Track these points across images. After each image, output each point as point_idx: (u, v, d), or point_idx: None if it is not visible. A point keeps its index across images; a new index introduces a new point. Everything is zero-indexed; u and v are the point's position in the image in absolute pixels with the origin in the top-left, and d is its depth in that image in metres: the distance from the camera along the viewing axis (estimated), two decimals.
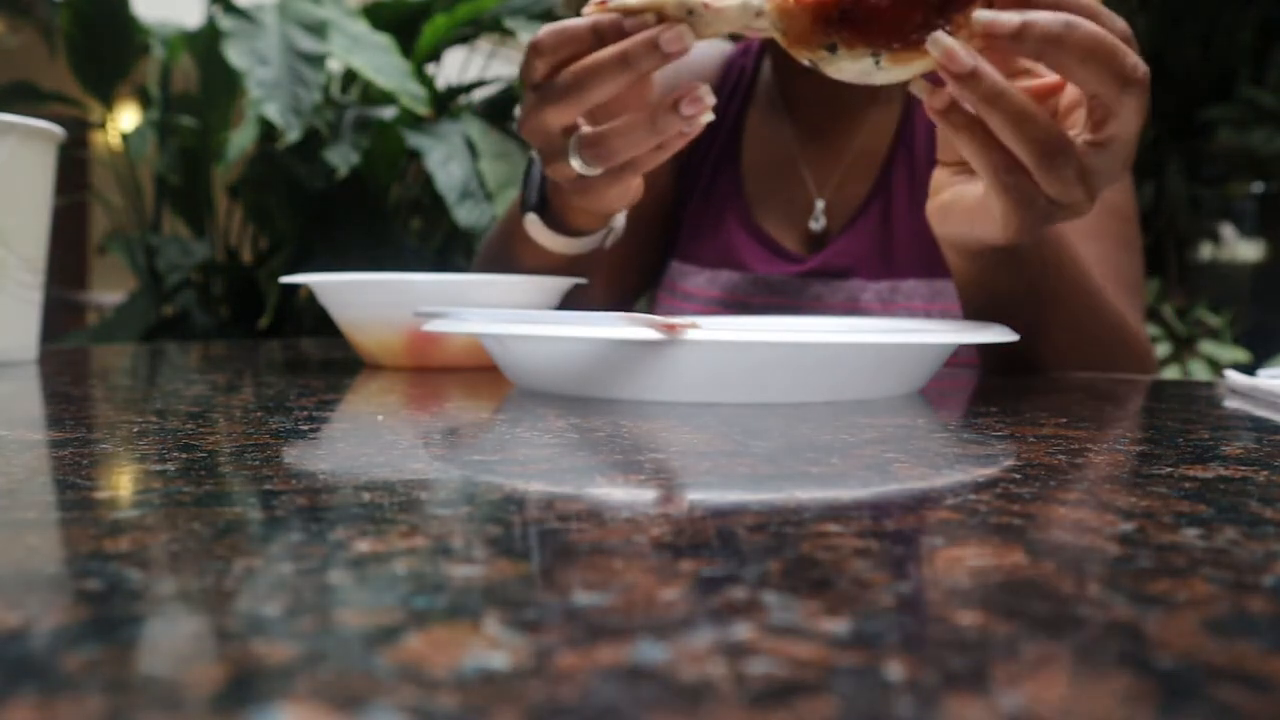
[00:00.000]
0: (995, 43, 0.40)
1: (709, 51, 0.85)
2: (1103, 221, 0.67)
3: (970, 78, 0.40)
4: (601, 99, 0.48)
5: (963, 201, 0.50)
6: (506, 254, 0.64)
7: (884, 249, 0.73)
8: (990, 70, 0.40)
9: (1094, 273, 0.60)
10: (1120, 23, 0.43)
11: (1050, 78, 0.45)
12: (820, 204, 0.76)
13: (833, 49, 0.42)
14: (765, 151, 0.79)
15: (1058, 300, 0.56)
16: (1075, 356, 0.59)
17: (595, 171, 0.50)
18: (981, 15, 0.40)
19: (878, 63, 0.41)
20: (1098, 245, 0.67)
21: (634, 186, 0.53)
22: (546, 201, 0.60)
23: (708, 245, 0.79)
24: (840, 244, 0.74)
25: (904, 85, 0.75)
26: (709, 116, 0.48)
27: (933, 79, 0.43)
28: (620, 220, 0.61)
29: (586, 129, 0.50)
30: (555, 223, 0.60)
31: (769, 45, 0.81)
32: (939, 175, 0.52)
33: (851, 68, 0.42)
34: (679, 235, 0.82)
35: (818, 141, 0.78)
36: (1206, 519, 0.19)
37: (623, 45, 0.46)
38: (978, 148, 0.43)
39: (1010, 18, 0.40)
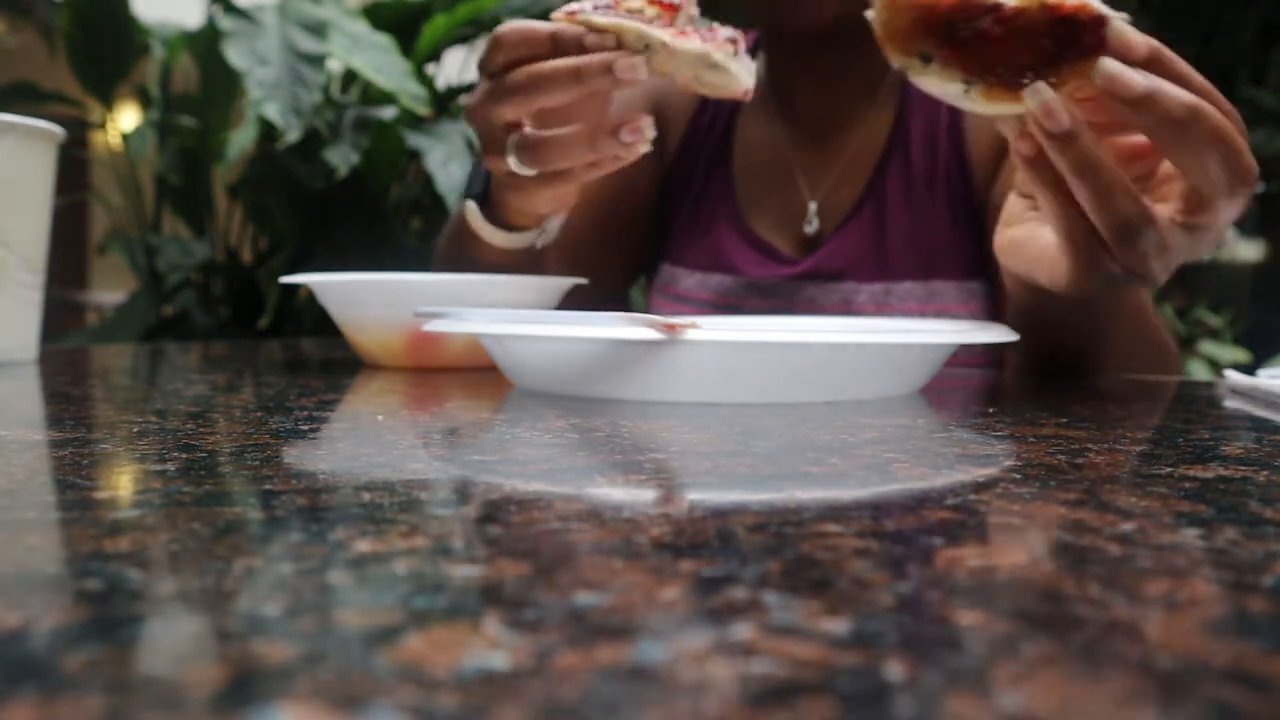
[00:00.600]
0: (1110, 102, 0.38)
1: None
2: None
3: (1064, 139, 0.38)
4: (548, 105, 0.49)
5: (1034, 244, 0.48)
6: (455, 248, 0.65)
7: (878, 251, 0.73)
8: (1087, 137, 0.38)
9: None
10: (1238, 117, 0.40)
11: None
12: (813, 206, 0.76)
13: (927, 59, 0.40)
14: (757, 154, 0.79)
15: (1111, 323, 0.56)
16: (1118, 366, 0.59)
17: (528, 173, 0.51)
18: (1108, 66, 0.37)
19: (967, 91, 0.39)
20: None
21: (566, 194, 0.55)
22: (489, 194, 0.60)
23: (699, 249, 0.79)
24: (833, 246, 0.74)
25: (898, 85, 0.75)
26: (646, 148, 0.49)
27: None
28: (554, 224, 0.61)
29: (528, 130, 0.51)
30: (494, 216, 0.60)
31: (762, 46, 0.81)
32: (1014, 204, 0.50)
33: (938, 85, 0.40)
34: (670, 239, 0.82)
35: (812, 144, 0.78)
36: (1206, 519, 0.19)
37: (579, 60, 0.48)
38: (1058, 206, 0.41)
39: (1138, 81, 0.37)
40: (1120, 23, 0.38)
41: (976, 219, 0.72)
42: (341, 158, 1.94)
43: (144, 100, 2.40)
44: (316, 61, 1.89)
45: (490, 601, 0.14)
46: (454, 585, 0.15)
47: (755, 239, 0.77)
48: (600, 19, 0.48)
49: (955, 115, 0.74)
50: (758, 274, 0.76)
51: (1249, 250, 4.33)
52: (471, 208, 0.60)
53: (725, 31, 0.47)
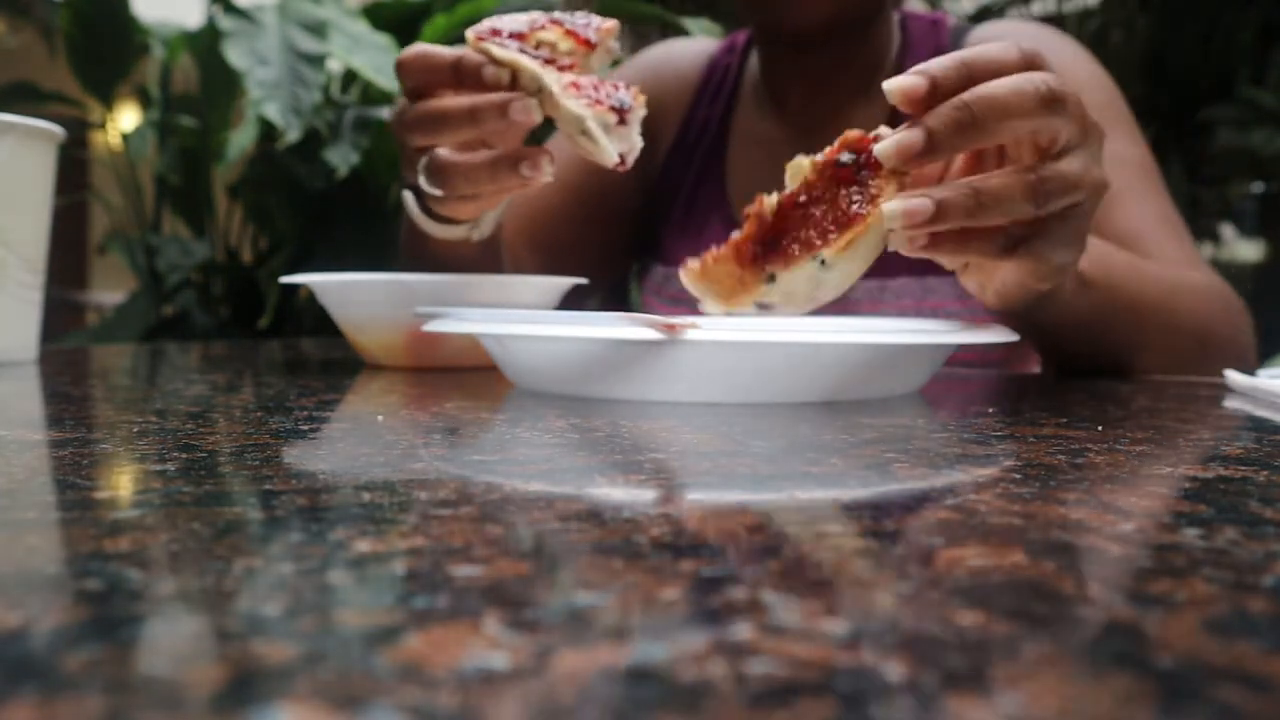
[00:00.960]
0: (917, 165, 0.40)
1: (692, 50, 0.85)
2: (1136, 181, 0.67)
3: (941, 213, 0.39)
4: (448, 144, 0.50)
5: (1010, 283, 0.48)
6: (410, 240, 0.64)
7: None
8: (950, 193, 0.39)
9: (1163, 277, 0.59)
10: (1010, 53, 0.41)
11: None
12: None
13: (772, 278, 0.40)
14: (751, 153, 0.79)
15: (1139, 305, 0.56)
16: (1180, 357, 0.59)
17: (436, 192, 0.52)
18: (885, 147, 0.39)
19: (823, 263, 0.39)
20: (1147, 206, 0.66)
21: (479, 207, 0.55)
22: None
23: (691, 249, 0.79)
24: None
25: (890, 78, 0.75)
26: (548, 179, 0.49)
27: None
28: (488, 220, 0.60)
29: (438, 153, 0.52)
30: (429, 209, 0.60)
31: (755, 42, 0.81)
32: (967, 283, 0.51)
33: (801, 284, 0.40)
34: (664, 240, 0.82)
35: (806, 140, 0.77)
36: (1206, 519, 0.19)
37: (474, 101, 0.48)
38: (976, 245, 0.42)
39: (915, 138, 0.39)
40: (887, 96, 0.40)
41: None
42: (341, 158, 1.94)
43: (144, 100, 2.40)
44: (316, 61, 1.89)
45: (490, 601, 0.14)
46: (454, 585, 0.15)
47: None
48: (500, 52, 0.47)
49: None
50: None
51: (1249, 250, 4.33)
52: (409, 198, 0.60)
53: (622, 95, 0.47)
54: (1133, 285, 0.56)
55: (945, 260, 0.43)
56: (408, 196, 0.60)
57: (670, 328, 0.36)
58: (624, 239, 0.84)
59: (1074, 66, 0.71)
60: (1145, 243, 0.64)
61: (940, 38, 0.76)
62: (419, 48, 0.51)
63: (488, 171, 0.50)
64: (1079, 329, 0.55)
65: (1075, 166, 0.42)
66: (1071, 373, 0.60)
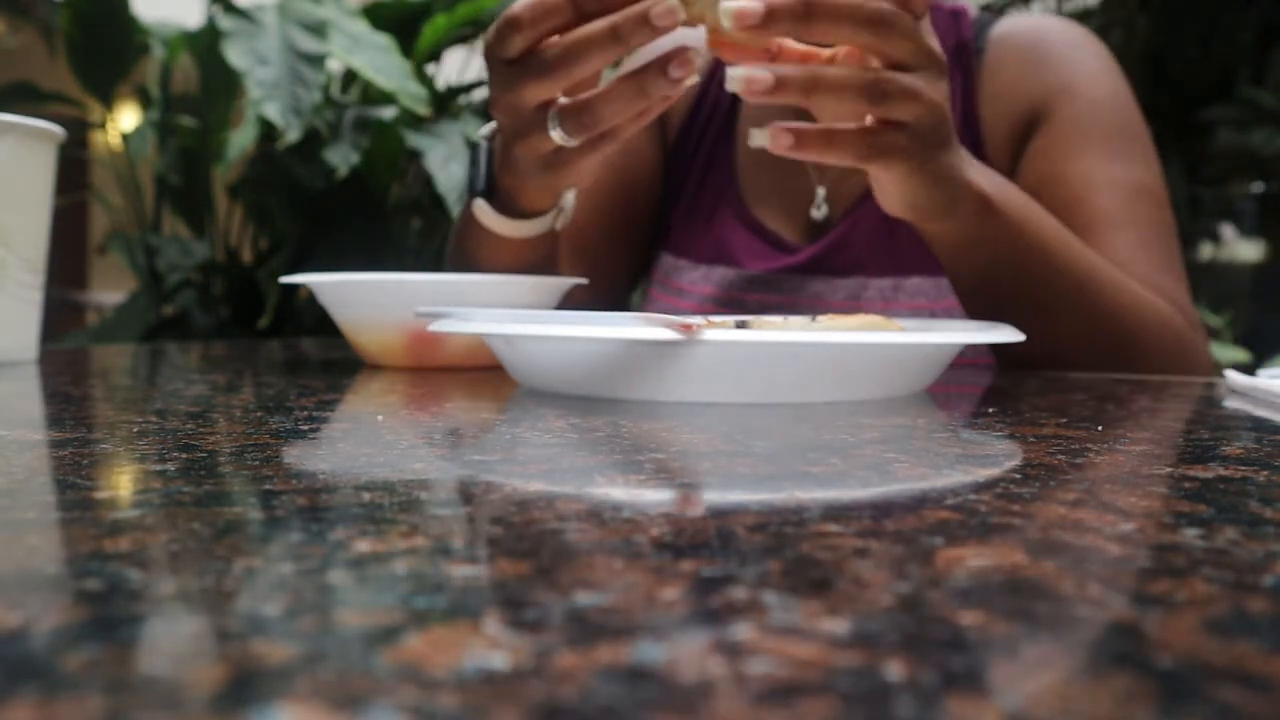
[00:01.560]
0: (753, 37, 0.44)
1: (698, 33, 0.84)
2: (1134, 209, 0.66)
3: (780, 86, 0.43)
4: (589, 73, 0.48)
5: (905, 194, 0.52)
6: (465, 252, 0.63)
7: (888, 241, 0.72)
8: (789, 71, 0.43)
9: (1096, 260, 0.59)
10: None
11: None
12: (821, 192, 0.74)
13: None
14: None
15: (1049, 257, 0.57)
16: (1094, 350, 0.59)
17: (575, 142, 0.50)
18: (727, 8, 0.43)
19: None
20: (1130, 233, 0.65)
21: (603, 160, 0.54)
22: (494, 187, 0.59)
23: (700, 239, 0.78)
24: (841, 231, 0.73)
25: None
26: (696, 79, 0.48)
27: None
28: (569, 199, 0.59)
29: (565, 99, 0.50)
30: (504, 207, 0.59)
31: None
32: (876, 191, 0.54)
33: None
34: (670, 227, 0.81)
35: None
36: (1206, 519, 0.19)
37: (613, 19, 0.46)
38: (837, 150, 0.46)
39: (753, 6, 0.43)
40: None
41: None
42: (341, 158, 1.94)
43: (144, 100, 2.40)
44: (316, 61, 1.89)
45: (490, 601, 0.14)
46: (454, 585, 0.15)
47: (759, 227, 0.75)
48: None
49: (969, 100, 0.72)
50: (761, 266, 0.75)
51: (1249, 250, 4.33)
52: (482, 205, 0.58)
53: None
54: (1044, 234, 0.57)
55: (818, 157, 0.46)
56: (481, 205, 0.58)
57: (686, 328, 0.35)
58: (649, 235, 0.83)
59: (1094, 79, 0.69)
60: (1123, 270, 0.63)
61: (963, 30, 0.74)
62: (527, 0, 0.48)
63: (634, 90, 0.47)
64: (985, 259, 0.56)
65: (913, 80, 0.46)
66: (1017, 359, 0.60)
